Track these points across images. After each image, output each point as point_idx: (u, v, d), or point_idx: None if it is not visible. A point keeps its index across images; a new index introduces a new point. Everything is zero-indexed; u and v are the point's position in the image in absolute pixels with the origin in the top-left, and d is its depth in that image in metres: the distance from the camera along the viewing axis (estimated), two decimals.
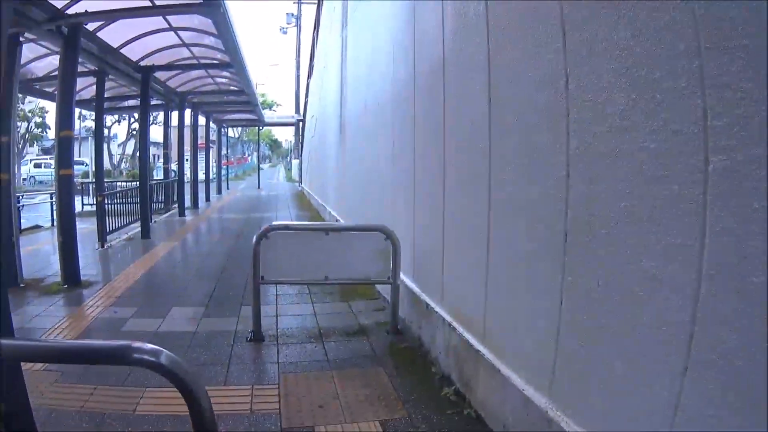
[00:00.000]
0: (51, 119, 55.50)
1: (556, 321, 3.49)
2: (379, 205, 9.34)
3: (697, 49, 2.31)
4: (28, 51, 11.77)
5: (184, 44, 14.94)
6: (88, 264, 11.33)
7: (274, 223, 7.10)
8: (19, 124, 54.16)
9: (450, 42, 5.54)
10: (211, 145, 38.68)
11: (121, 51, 13.83)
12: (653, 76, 2.58)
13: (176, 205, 22.76)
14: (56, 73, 10.67)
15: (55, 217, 15.02)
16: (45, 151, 58.70)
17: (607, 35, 2.89)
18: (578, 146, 3.22)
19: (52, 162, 49.22)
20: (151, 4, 10.30)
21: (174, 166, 25.71)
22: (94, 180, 20.45)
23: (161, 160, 24.43)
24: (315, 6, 26.31)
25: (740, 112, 2.12)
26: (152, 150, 41.54)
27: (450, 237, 5.68)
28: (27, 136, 56.13)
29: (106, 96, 19.81)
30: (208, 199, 29.24)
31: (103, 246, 13.72)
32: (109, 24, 11.69)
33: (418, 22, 6.73)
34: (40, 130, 57.69)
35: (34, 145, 60.19)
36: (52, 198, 19.41)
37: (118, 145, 59.43)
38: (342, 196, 14.95)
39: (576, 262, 3.29)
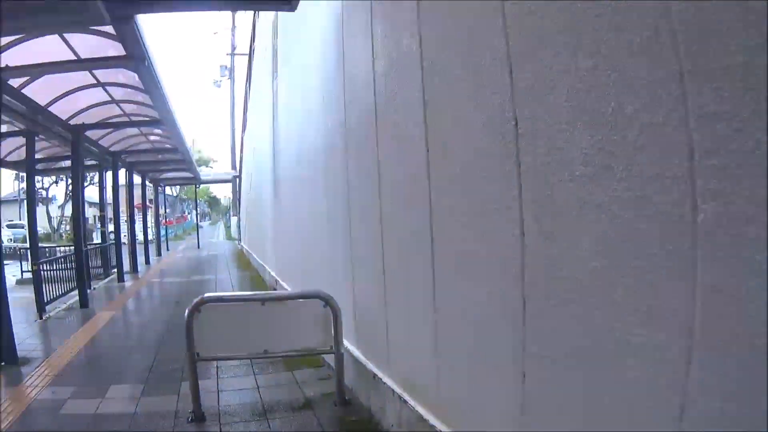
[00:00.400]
0: None
1: (520, 395, 3.03)
2: (316, 265, 8.95)
3: (678, 74, 1.90)
4: None
5: (114, 101, 14.47)
6: (27, 337, 10.86)
7: (206, 294, 6.64)
8: None
9: (381, 86, 5.15)
10: (149, 205, 37.92)
11: (50, 109, 13.26)
12: (625, 111, 2.16)
13: (115, 270, 21.88)
14: None
15: None
16: None
17: (564, 66, 2.48)
18: (534, 199, 2.79)
19: None
20: (75, 58, 9.82)
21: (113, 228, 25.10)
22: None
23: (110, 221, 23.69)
24: (247, 57, 26.24)
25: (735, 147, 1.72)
26: (92, 211, 40.72)
27: (393, 300, 5.23)
28: None
29: (39, 157, 19.40)
30: (147, 261, 28.37)
31: (41, 317, 13.05)
32: (35, 80, 11.18)
33: (347, 64, 6.38)
34: None
35: None
36: None
37: (58, 207, 58.07)
38: (280, 256, 14.50)
39: (539, 331, 2.84)
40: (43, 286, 13.74)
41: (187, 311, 6.26)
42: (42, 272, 13.86)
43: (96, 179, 29.29)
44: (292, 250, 11.97)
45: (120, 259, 21.63)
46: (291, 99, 11.41)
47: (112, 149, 20.77)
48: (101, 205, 22.78)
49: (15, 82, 10.83)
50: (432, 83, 4.01)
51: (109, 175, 22.67)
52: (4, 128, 14.05)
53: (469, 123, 3.45)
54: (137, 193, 28.59)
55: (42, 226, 59.08)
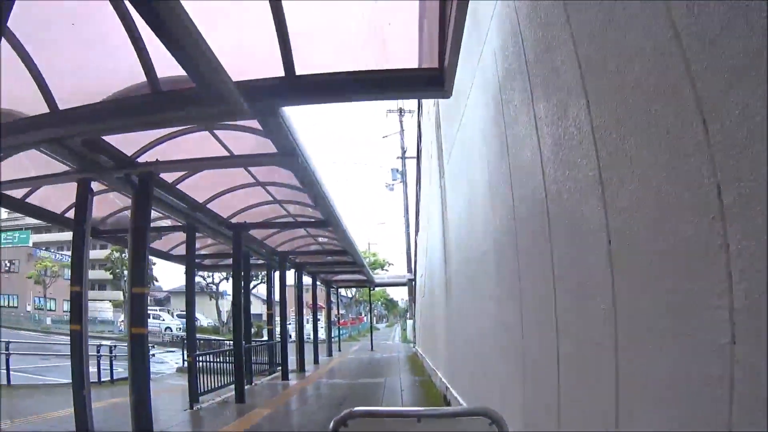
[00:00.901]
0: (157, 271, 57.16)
1: None
2: (484, 374, 7.96)
3: None
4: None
5: (276, 201, 14.44)
6: (170, 425, 10.73)
7: (355, 408, 5.76)
8: (126, 274, 55.88)
9: (550, 170, 4.26)
10: (320, 305, 38.11)
11: (210, 207, 13.49)
12: None
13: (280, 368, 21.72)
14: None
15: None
16: (158, 302, 60.07)
17: None
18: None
19: (161, 314, 50.20)
20: (228, 155, 9.70)
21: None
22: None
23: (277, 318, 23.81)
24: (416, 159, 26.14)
25: None
26: (262, 308, 41.54)
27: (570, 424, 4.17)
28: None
29: (206, 252, 20.24)
30: (316, 361, 28.13)
31: (192, 407, 13.05)
32: (191, 176, 11.30)
33: (512, 152, 5.56)
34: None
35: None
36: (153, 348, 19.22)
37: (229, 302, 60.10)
38: (450, 361, 13.50)
39: None
40: (199, 377, 13.83)
41: (332, 424, 5.43)
42: (199, 363, 14.03)
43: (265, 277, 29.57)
44: (461, 355, 11.13)
45: (285, 357, 21.48)
46: (456, 195, 10.80)
47: (279, 249, 20.98)
48: (269, 303, 23.20)
49: (170, 178, 10.97)
50: (608, 160, 3.11)
51: (277, 274, 22.86)
52: (169, 222, 14.64)
53: (662, 201, 2.51)
54: (308, 293, 28.74)
55: (213, 318, 61.20)
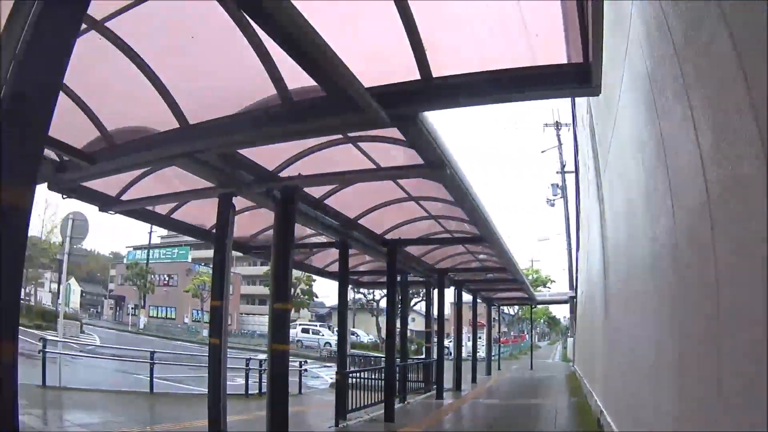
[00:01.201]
0: (318, 287, 58.28)
1: None
2: (639, 400, 7.20)
3: None
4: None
5: (431, 216, 13.93)
6: None
7: None
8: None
9: (712, 171, 3.52)
10: (481, 323, 37.52)
11: (360, 222, 13.25)
12: None
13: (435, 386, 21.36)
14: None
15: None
16: (319, 318, 61.19)
17: None
18: None
19: (320, 329, 51.09)
20: (375, 167, 9.27)
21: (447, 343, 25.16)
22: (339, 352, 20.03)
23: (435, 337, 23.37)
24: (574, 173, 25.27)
25: None
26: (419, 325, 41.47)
27: None
28: (292, 301, 59.25)
29: (365, 269, 20.50)
30: (474, 380, 27.63)
31: (337, 424, 12.86)
32: (338, 191, 11.10)
33: (668, 151, 4.78)
34: (306, 297, 60.50)
35: (299, 311, 63.37)
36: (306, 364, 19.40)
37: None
38: (606, 383, 12.61)
39: None
40: (351, 393, 13.74)
41: None
42: (351, 380, 14.03)
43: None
44: (615, 377, 10.35)
45: (440, 375, 21.06)
46: (614, 206, 9.94)
47: (438, 266, 20.56)
48: (427, 321, 23.12)
49: (316, 194, 10.90)
50: None
51: (436, 291, 22.56)
52: (323, 238, 14.55)
53: None
54: (468, 311, 28.44)
55: (373, 335, 61.69)
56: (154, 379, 18.95)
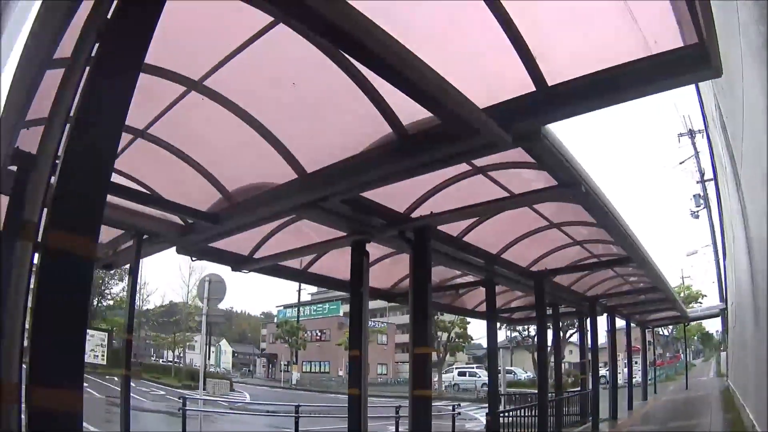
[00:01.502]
0: (473, 329, 57.84)
1: None
2: None
3: None
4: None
5: (576, 242, 13.26)
6: None
7: None
8: (439, 334, 57.43)
9: None
10: (635, 348, 36.31)
11: (503, 257, 12.72)
12: None
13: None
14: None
15: None
16: (476, 360, 60.56)
17: None
18: None
19: (476, 370, 50.29)
20: (508, 195, 8.84)
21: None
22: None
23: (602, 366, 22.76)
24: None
25: None
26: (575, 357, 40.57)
27: None
28: (447, 345, 59.08)
29: (517, 305, 20.35)
30: (630, 407, 26.39)
31: None
32: (475, 227, 10.77)
33: None
34: (461, 340, 60.07)
35: (455, 355, 63.02)
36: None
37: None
38: (759, 396, 11.58)
39: None
40: None
41: None
42: (506, 419, 13.69)
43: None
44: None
45: (596, 407, 20.28)
46: (756, 201, 8.98)
47: (588, 294, 19.79)
48: (581, 351, 22.87)
49: (453, 232, 10.64)
50: None
51: (588, 320, 22.07)
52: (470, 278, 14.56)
53: None
54: (622, 337, 27.64)
55: (531, 371, 60.41)
56: None
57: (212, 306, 19.74)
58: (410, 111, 6.04)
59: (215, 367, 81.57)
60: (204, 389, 42.36)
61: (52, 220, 2.82)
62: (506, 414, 14.22)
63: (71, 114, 3.07)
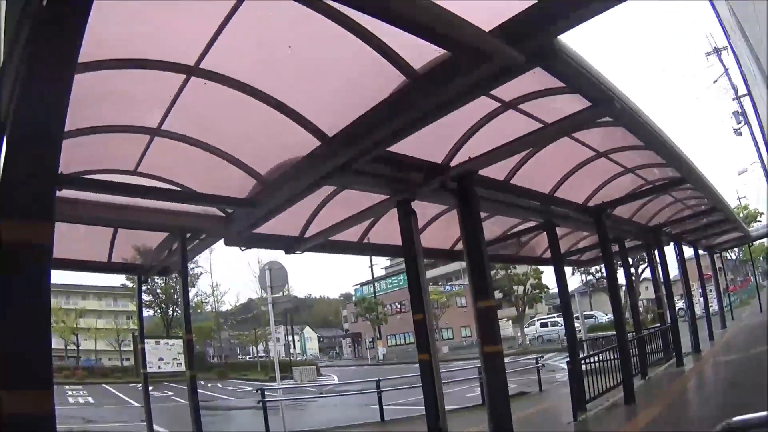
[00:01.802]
0: (546, 278, 57.30)
1: None
2: None
3: None
4: None
5: (627, 170, 12.75)
6: None
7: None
8: (515, 288, 56.91)
9: None
10: (706, 275, 35.50)
11: (556, 195, 12.29)
12: None
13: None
14: None
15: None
16: (557, 309, 60.06)
17: None
18: None
19: (558, 319, 49.71)
20: (542, 125, 8.45)
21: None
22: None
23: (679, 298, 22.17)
24: None
25: None
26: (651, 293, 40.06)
27: None
28: (524, 298, 58.54)
29: (583, 246, 19.80)
30: (711, 337, 25.91)
31: (575, 418, 11.82)
32: (520, 168, 10.36)
33: None
34: (537, 291, 59.61)
35: (534, 307, 62.61)
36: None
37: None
38: None
39: None
40: (588, 380, 12.81)
41: None
42: (587, 366, 13.20)
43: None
44: None
45: (677, 341, 19.77)
46: None
47: (650, 224, 19.27)
48: (655, 285, 22.04)
49: (499, 176, 10.29)
50: None
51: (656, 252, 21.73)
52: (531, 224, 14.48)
53: None
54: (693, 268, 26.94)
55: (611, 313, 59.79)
56: (390, 407, 19.17)
57: (275, 293, 19.86)
58: (418, 53, 5.82)
59: (301, 355, 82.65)
60: (291, 377, 43.13)
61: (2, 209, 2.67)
62: (587, 360, 13.82)
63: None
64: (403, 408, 19.74)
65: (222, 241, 10.25)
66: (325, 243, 11.51)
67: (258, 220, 9.38)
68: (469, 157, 8.64)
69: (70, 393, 37.61)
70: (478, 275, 8.69)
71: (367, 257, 68.97)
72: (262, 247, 11.04)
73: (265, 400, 17.54)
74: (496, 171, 9.92)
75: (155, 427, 14.35)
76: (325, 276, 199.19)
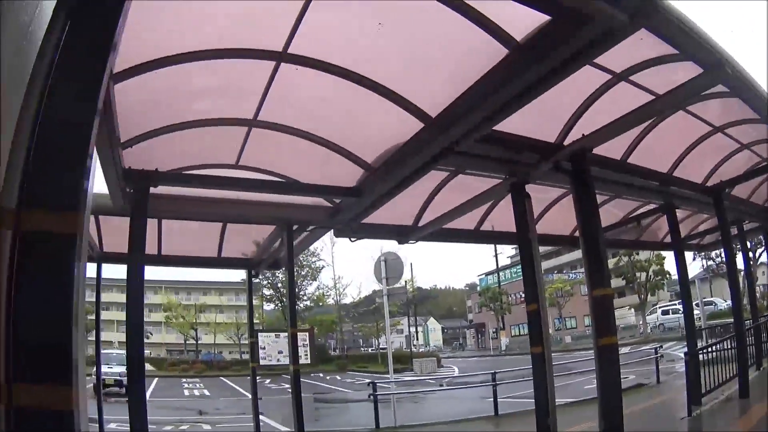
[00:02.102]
0: (669, 265, 55.44)
1: None
2: None
3: None
4: None
5: (743, 146, 12.07)
6: None
7: None
8: (637, 274, 55.45)
9: None
10: None
11: (675, 175, 11.68)
12: None
13: None
14: None
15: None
16: (678, 296, 58.34)
17: None
18: None
19: (679, 306, 48.22)
20: (653, 97, 7.93)
21: None
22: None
23: None
24: None
25: None
26: None
27: None
28: (647, 285, 57.97)
29: (704, 229, 18.57)
30: None
31: (689, 413, 11.27)
32: (639, 143, 9.87)
33: None
34: (659, 278, 58.08)
35: (656, 294, 61.04)
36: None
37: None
38: None
39: None
40: (705, 372, 12.21)
41: None
42: (705, 357, 12.63)
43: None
44: None
45: None
46: None
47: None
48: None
49: (617, 154, 9.85)
50: None
51: None
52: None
53: None
54: None
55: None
56: (505, 400, 19.00)
57: (391, 284, 19.86)
58: (518, 23, 5.60)
59: (424, 346, 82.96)
60: (411, 369, 43.34)
61: (27, 199, 2.53)
62: (705, 351, 13.15)
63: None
64: (519, 401, 19.19)
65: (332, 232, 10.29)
66: (440, 231, 11.31)
67: (366, 209, 9.33)
68: (583, 134, 8.27)
69: (186, 386, 39.69)
70: (594, 261, 8.22)
71: (493, 246, 68.91)
72: (373, 237, 11.06)
73: (377, 393, 17.66)
74: (612, 151, 9.46)
75: (266, 420, 14.50)
76: (450, 266, 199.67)
